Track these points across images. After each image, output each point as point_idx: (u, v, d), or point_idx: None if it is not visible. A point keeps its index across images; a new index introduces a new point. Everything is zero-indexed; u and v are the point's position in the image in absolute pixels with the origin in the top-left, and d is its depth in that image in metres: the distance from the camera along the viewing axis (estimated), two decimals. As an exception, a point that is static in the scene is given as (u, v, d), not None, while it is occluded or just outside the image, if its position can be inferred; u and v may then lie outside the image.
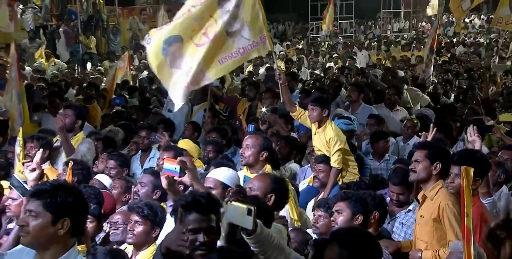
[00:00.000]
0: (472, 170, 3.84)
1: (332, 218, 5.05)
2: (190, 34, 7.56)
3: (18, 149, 6.60)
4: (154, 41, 7.51)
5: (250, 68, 19.18)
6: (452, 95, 14.02)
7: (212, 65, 7.65)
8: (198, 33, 7.59)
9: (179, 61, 7.54)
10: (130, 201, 6.07)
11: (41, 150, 5.48)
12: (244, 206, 3.46)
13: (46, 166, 6.41)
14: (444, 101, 12.88)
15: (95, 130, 9.22)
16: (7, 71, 15.73)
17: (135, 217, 4.96)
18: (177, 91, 7.57)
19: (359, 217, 4.94)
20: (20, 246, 3.58)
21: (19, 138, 6.52)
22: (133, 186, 6.13)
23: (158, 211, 5.01)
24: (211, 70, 7.69)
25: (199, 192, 4.15)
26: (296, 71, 18.10)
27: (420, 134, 8.24)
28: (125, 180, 6.46)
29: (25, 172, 4.96)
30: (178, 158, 4.72)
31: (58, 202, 3.37)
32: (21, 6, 22.96)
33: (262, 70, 18.64)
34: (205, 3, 7.58)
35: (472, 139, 6.19)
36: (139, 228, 4.93)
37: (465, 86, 14.14)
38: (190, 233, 3.62)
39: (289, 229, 5.11)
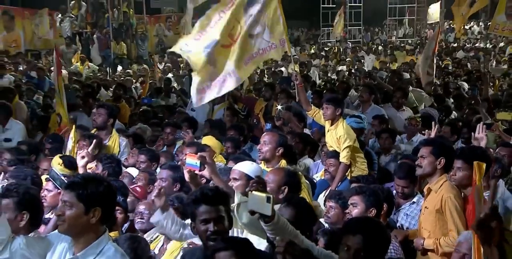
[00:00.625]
0: (484, 165, 3.87)
1: (347, 210, 5.03)
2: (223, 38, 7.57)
3: (70, 145, 6.61)
4: (195, 50, 7.53)
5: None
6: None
7: (241, 67, 7.67)
8: (225, 35, 7.59)
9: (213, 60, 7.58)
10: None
11: (94, 141, 5.91)
12: (264, 195, 3.50)
13: (93, 164, 6.51)
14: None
15: (123, 128, 9.21)
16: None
17: None
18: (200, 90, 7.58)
19: (373, 210, 4.94)
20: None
21: (72, 135, 6.54)
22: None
23: None
24: (240, 72, 7.69)
25: (207, 186, 4.29)
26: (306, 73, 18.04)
27: (423, 132, 8.23)
28: (149, 173, 6.45)
29: (77, 158, 5.31)
30: (199, 154, 4.78)
31: (89, 193, 3.44)
32: (59, 15, 23.55)
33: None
34: (232, 8, 7.59)
35: (480, 136, 6.11)
36: None
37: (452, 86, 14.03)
38: (202, 223, 3.73)
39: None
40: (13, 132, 8.31)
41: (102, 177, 3.98)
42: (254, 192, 3.52)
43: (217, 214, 3.73)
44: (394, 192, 5.96)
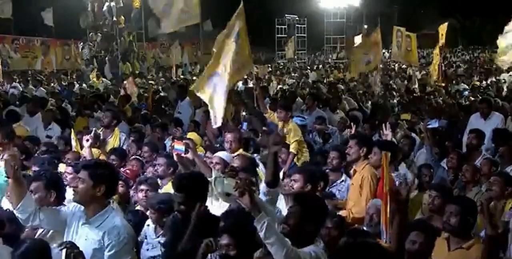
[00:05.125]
0: (389, 154, 4.08)
1: (290, 184, 4.73)
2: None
3: (73, 142, 6.49)
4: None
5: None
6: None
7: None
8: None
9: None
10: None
11: (94, 129, 6.19)
12: (233, 181, 3.52)
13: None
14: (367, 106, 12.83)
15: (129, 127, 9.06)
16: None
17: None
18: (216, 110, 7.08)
19: (308, 185, 4.66)
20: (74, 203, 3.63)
21: (73, 136, 6.44)
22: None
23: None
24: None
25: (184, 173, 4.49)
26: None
27: (347, 129, 8.28)
28: (138, 160, 6.32)
29: (83, 141, 5.64)
30: (184, 141, 5.02)
31: (98, 174, 3.47)
32: (81, 43, 24.43)
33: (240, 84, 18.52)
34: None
35: (386, 132, 6.21)
36: None
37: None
38: None
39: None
40: (54, 131, 8.37)
41: (109, 163, 4.04)
42: (228, 178, 3.50)
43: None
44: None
